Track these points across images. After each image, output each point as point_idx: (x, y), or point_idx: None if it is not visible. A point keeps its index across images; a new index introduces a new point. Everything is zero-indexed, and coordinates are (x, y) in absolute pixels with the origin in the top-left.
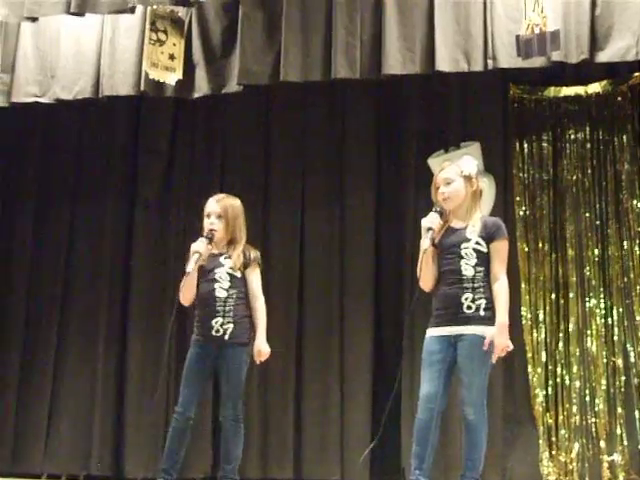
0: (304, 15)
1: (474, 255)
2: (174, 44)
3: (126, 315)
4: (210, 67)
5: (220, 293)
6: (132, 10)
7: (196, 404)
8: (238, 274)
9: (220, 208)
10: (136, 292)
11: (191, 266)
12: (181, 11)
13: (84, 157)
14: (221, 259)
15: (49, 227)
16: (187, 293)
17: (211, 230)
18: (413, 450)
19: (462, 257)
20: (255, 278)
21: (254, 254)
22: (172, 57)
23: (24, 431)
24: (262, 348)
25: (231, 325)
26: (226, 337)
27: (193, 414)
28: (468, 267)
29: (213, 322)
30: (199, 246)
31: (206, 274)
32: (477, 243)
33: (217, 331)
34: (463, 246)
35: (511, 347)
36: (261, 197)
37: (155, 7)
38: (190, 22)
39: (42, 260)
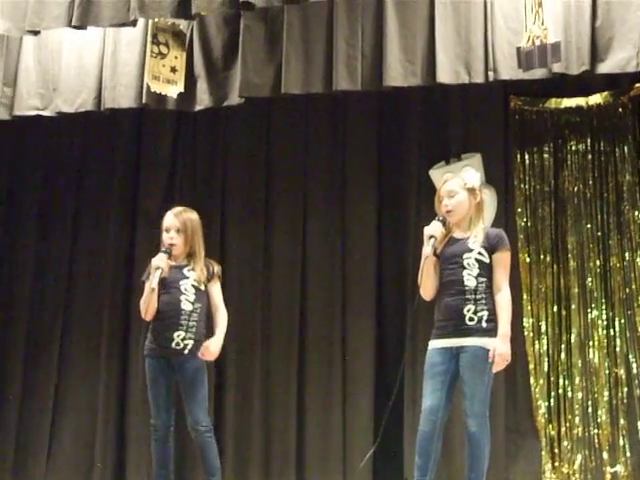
0: (305, 27)
1: (476, 265)
2: (176, 57)
3: (128, 328)
4: (211, 80)
5: (186, 306)
6: (134, 23)
7: (171, 411)
8: (202, 287)
9: (179, 222)
10: (138, 306)
11: (155, 282)
12: (182, 24)
13: (86, 170)
14: (184, 271)
15: (51, 240)
16: (150, 308)
17: (170, 245)
18: (415, 462)
19: (464, 267)
20: (217, 291)
21: (217, 268)
22: (174, 70)
23: (26, 444)
24: (213, 347)
25: (191, 342)
26: (185, 351)
27: (171, 421)
28: (470, 278)
29: (175, 335)
30: (160, 261)
31: (168, 286)
32: (480, 254)
33: (177, 344)
34: (465, 256)
35: (509, 360)
36: (262, 209)
37: (156, 20)
38: (191, 35)
39: (44, 273)
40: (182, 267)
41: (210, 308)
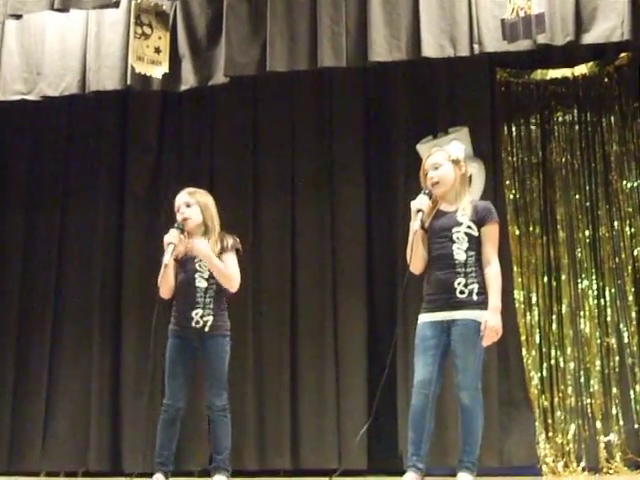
0: (289, 5)
1: (465, 239)
2: (159, 37)
3: (119, 311)
4: (196, 59)
5: (201, 283)
6: (116, 4)
7: (185, 394)
8: None
9: (188, 197)
10: (128, 287)
11: (167, 258)
12: (165, 4)
13: (72, 153)
14: None
15: (39, 224)
16: (166, 285)
17: (183, 220)
18: (409, 436)
19: (454, 241)
20: (231, 261)
21: (232, 240)
22: (158, 50)
23: (21, 429)
24: (198, 242)
25: (211, 317)
26: (206, 329)
27: (183, 404)
28: (460, 251)
29: (193, 313)
30: (172, 237)
31: (184, 264)
32: (468, 227)
33: (197, 322)
34: (454, 230)
35: (500, 333)
36: (251, 188)
37: (139, 1)
38: (175, 15)
39: (34, 257)
40: None
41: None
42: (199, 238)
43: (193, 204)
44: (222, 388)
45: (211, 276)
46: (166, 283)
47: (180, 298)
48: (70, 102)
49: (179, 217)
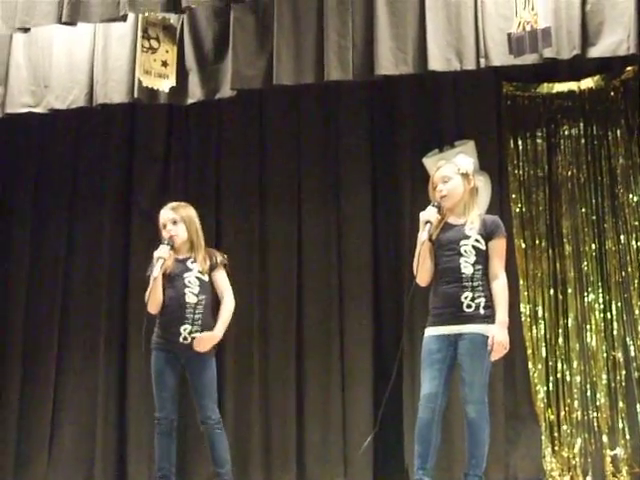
0: (296, 18)
1: (473, 253)
2: (166, 51)
3: (126, 322)
4: (203, 73)
5: (190, 298)
6: (124, 18)
7: (176, 405)
8: (206, 278)
9: (175, 214)
10: (134, 300)
11: (156, 271)
12: (172, 18)
13: (80, 166)
14: (188, 263)
15: (46, 237)
16: (155, 300)
17: (171, 237)
18: (415, 450)
19: (461, 255)
20: (222, 278)
21: (220, 257)
22: (165, 64)
23: (27, 440)
24: (207, 336)
25: (199, 334)
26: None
27: (176, 415)
28: (467, 265)
29: (181, 329)
30: (162, 252)
31: (173, 279)
32: (477, 241)
33: (185, 338)
34: (462, 243)
35: (508, 348)
36: (257, 200)
37: (147, 15)
38: (182, 28)
39: (40, 270)
40: (185, 260)
41: (213, 300)
42: (185, 255)
43: (179, 221)
44: (214, 401)
45: (200, 292)
46: (155, 298)
47: (168, 313)
48: (77, 115)
49: (165, 234)
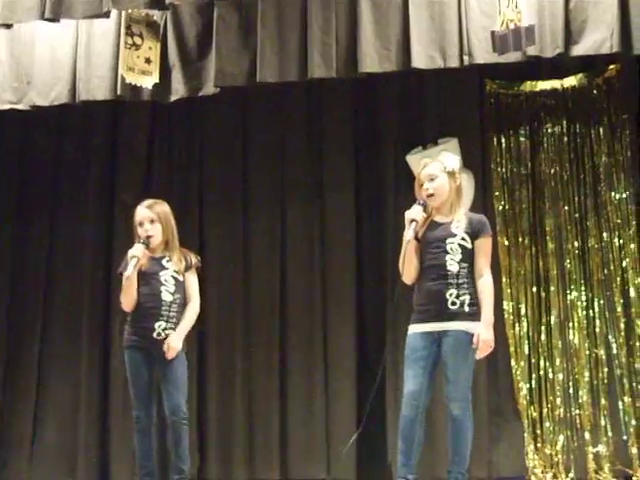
0: (279, 16)
1: (459, 251)
2: (150, 48)
3: (108, 321)
4: (186, 70)
5: (166, 296)
6: (107, 15)
7: (153, 403)
8: (181, 278)
9: (153, 213)
10: (118, 296)
11: (130, 270)
12: (156, 15)
13: (62, 163)
14: (163, 262)
15: (29, 233)
16: (129, 298)
17: (148, 237)
18: (399, 447)
19: (447, 252)
20: (193, 281)
21: (194, 259)
22: (148, 61)
23: (9, 440)
24: (172, 341)
25: (172, 332)
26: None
27: (154, 413)
28: (453, 263)
29: (156, 325)
30: (137, 251)
31: (148, 277)
32: (462, 239)
33: (158, 334)
34: (449, 241)
35: (493, 346)
36: (241, 198)
37: (130, 11)
38: (165, 25)
39: (23, 266)
40: (160, 259)
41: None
42: (160, 254)
43: (156, 220)
44: (184, 397)
45: (176, 291)
46: (130, 295)
47: (142, 310)
48: (60, 112)
49: (142, 233)
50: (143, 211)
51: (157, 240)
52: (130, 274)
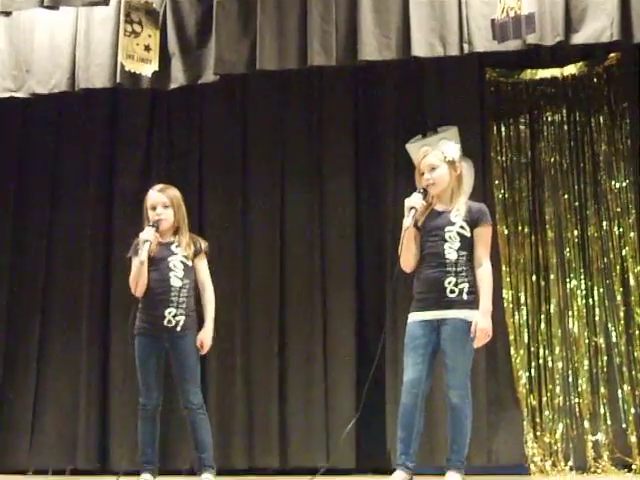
0: (279, 3)
1: (458, 239)
2: (149, 35)
3: (108, 308)
4: (186, 58)
5: (175, 282)
6: (106, 2)
7: (160, 391)
8: (190, 263)
9: (165, 197)
10: (117, 284)
11: (144, 255)
12: (155, 2)
13: (62, 150)
14: (172, 247)
15: (28, 221)
16: (140, 283)
17: (158, 220)
18: (398, 435)
19: (446, 240)
20: (204, 267)
21: (204, 244)
22: (148, 48)
23: (9, 427)
24: (207, 340)
25: (183, 317)
26: (178, 328)
27: (159, 401)
28: (451, 251)
29: (166, 312)
30: (148, 234)
31: (157, 263)
32: (461, 227)
33: (169, 322)
34: (447, 229)
35: (491, 335)
36: (240, 185)
37: None
38: (165, 13)
39: (22, 254)
40: (169, 244)
41: (197, 284)
42: (169, 239)
43: (169, 205)
44: (197, 385)
45: (185, 276)
46: (141, 281)
47: (152, 296)
48: (59, 100)
49: (154, 217)
50: (156, 195)
51: (168, 224)
52: (143, 259)
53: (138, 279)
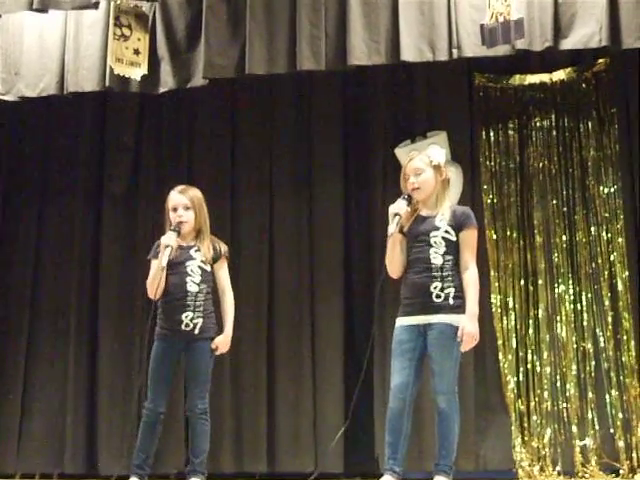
0: (268, 7)
1: (443, 244)
2: (139, 39)
3: (96, 312)
4: (175, 61)
5: (192, 287)
6: (95, 6)
7: (167, 398)
8: (208, 268)
9: (187, 199)
10: (105, 288)
11: (165, 260)
12: (145, 6)
13: (51, 154)
14: (191, 252)
15: (16, 224)
16: (159, 288)
17: (179, 223)
18: (386, 440)
19: (431, 245)
20: (224, 272)
21: (224, 248)
22: (137, 52)
23: None
24: (223, 344)
25: (200, 320)
26: (196, 331)
27: (164, 408)
28: (437, 256)
29: (183, 316)
30: (170, 239)
31: (176, 267)
32: (446, 232)
33: (187, 325)
34: (432, 234)
35: (478, 339)
36: (229, 189)
37: (118, 2)
38: (154, 16)
39: (10, 257)
40: (189, 248)
41: (216, 287)
42: (190, 242)
43: (190, 207)
44: (206, 391)
45: (202, 280)
46: (160, 285)
47: (170, 301)
48: (48, 103)
49: (175, 218)
50: (177, 197)
51: (189, 226)
52: (164, 265)
53: (156, 283)
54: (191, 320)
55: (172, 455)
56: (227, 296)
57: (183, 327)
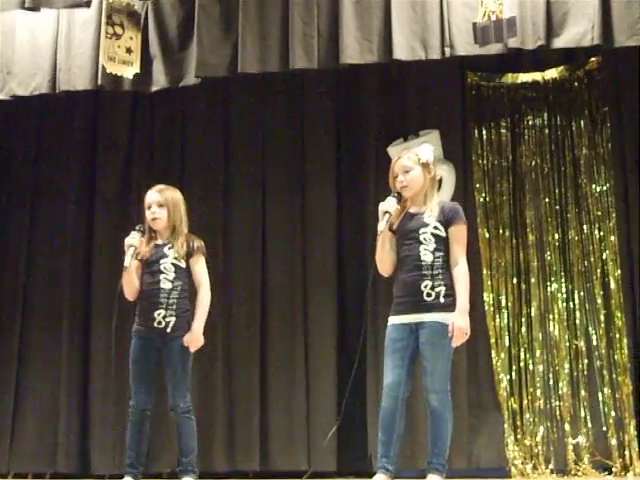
0: (261, 6)
1: (433, 240)
2: (131, 37)
3: (88, 312)
4: (167, 60)
5: (165, 285)
6: (88, 4)
7: (151, 394)
8: (182, 264)
9: (161, 198)
10: (97, 288)
11: (128, 260)
12: (137, 4)
13: (42, 153)
14: (165, 249)
15: (8, 223)
16: (129, 288)
17: (152, 219)
18: (379, 438)
19: (421, 242)
20: (200, 267)
21: (198, 243)
22: (129, 51)
23: None
24: (192, 341)
25: (173, 318)
26: (168, 330)
27: (149, 405)
28: (427, 253)
29: (155, 314)
30: (133, 239)
31: (150, 265)
32: (435, 227)
33: (159, 323)
34: (421, 231)
35: (469, 334)
36: (221, 191)
37: (111, 1)
38: (146, 15)
39: (3, 257)
40: (164, 245)
41: (190, 286)
42: (165, 240)
43: (163, 205)
44: (186, 389)
45: (176, 278)
46: (130, 285)
47: (144, 299)
48: (40, 102)
49: (149, 216)
50: (152, 195)
51: (162, 223)
52: (128, 265)
53: (125, 285)
54: (163, 318)
55: (164, 454)
56: (200, 291)
57: (156, 324)
